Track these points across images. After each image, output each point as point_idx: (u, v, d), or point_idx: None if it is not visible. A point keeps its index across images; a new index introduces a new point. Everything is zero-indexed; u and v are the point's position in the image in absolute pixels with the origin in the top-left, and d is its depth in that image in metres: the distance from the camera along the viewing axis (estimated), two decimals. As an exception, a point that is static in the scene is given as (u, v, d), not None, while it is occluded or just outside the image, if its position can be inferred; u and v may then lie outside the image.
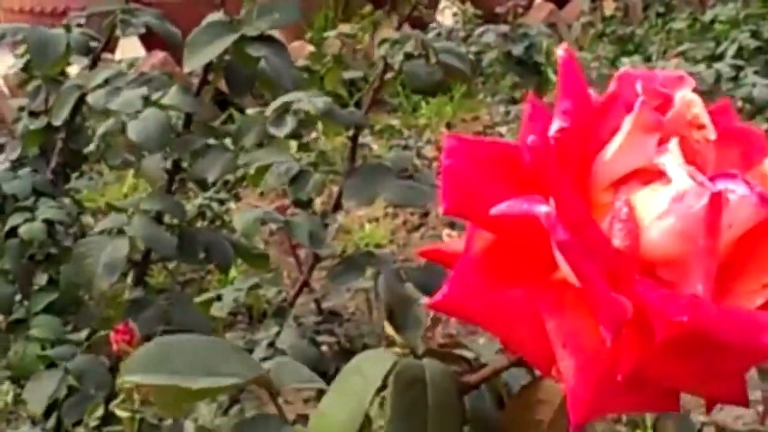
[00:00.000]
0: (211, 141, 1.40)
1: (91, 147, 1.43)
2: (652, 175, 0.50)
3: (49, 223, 1.45)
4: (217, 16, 1.25)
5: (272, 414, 0.69)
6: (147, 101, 1.30)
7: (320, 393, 0.59)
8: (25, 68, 1.56)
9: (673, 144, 0.50)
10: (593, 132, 0.53)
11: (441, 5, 3.91)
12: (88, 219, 1.91)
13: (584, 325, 0.49)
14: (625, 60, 3.40)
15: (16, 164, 1.61)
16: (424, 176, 1.51)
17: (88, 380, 1.42)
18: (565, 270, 0.49)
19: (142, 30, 1.45)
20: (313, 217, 1.54)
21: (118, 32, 1.50)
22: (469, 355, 0.64)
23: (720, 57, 3.35)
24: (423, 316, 0.65)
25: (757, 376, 2.28)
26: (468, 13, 3.75)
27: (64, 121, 1.48)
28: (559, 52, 0.54)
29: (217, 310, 1.64)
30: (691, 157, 0.51)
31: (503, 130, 3.36)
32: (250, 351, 1.54)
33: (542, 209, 0.47)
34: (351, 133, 1.60)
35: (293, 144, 1.67)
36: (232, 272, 2.38)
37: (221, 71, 1.30)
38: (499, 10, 3.75)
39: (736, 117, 0.56)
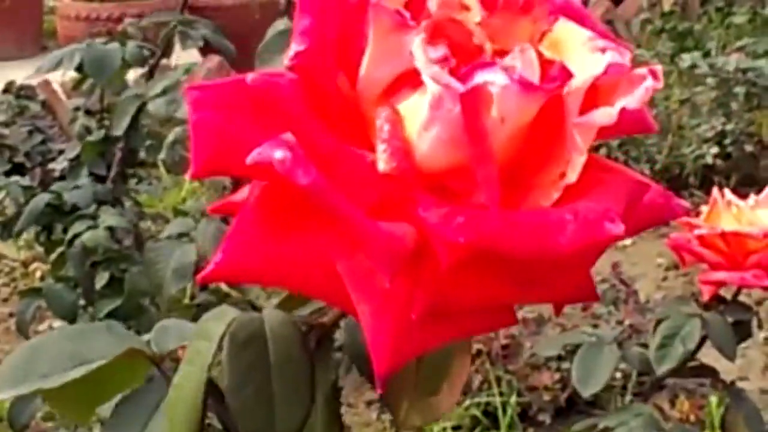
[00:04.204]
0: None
1: (162, 155, 1.44)
2: (419, 79, 0.43)
3: (111, 230, 1.45)
4: (282, 23, 1.23)
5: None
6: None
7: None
8: (79, 68, 1.56)
9: (417, 43, 0.43)
10: (350, 44, 0.46)
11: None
12: (147, 224, 1.90)
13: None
14: (684, 56, 3.34)
15: (74, 164, 1.61)
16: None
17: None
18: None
19: (200, 43, 1.45)
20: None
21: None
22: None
23: (781, 52, 3.30)
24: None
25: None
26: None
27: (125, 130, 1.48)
28: None
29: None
30: (465, 44, 0.45)
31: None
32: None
33: (277, 154, 0.42)
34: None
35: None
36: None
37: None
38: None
39: None
